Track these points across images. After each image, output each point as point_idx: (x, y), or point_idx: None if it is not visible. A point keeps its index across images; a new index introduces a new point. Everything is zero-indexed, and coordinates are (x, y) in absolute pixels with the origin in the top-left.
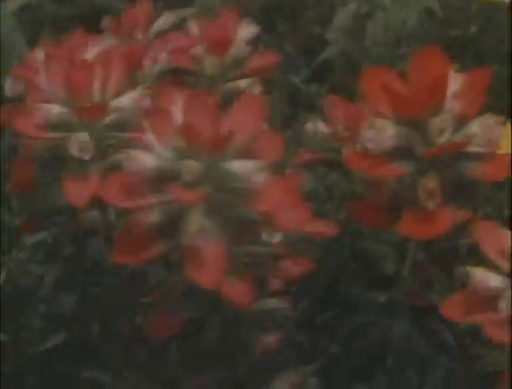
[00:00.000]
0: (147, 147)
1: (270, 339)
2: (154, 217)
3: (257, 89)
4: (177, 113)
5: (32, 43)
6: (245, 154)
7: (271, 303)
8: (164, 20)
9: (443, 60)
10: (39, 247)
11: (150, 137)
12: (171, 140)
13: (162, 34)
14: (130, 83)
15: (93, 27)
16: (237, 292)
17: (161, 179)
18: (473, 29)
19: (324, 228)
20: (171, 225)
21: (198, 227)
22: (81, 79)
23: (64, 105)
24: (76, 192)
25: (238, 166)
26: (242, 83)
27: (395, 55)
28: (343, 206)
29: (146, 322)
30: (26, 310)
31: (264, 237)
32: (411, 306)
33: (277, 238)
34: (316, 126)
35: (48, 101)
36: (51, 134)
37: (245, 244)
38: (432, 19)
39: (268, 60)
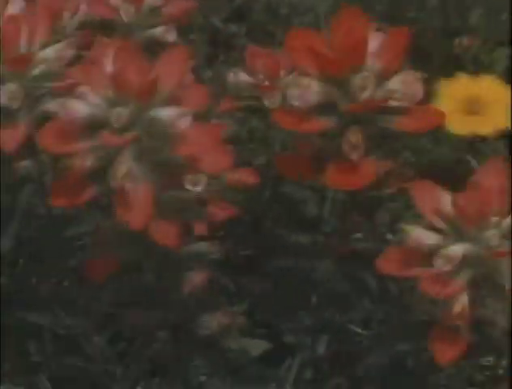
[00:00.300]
0: (79, 96)
1: (198, 280)
2: (86, 162)
3: (171, 36)
4: (107, 63)
5: None
6: (172, 102)
7: (198, 246)
8: None
9: (364, 19)
10: None
11: (81, 86)
12: (102, 89)
13: None
14: (55, 34)
15: None
16: (165, 234)
17: (93, 126)
18: None
19: (246, 176)
20: (102, 170)
21: (126, 170)
22: (9, 33)
23: None
24: (7, 139)
25: (164, 113)
26: (157, 31)
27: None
28: (267, 154)
29: (82, 264)
30: None
31: (190, 183)
32: (334, 250)
33: (202, 185)
34: (237, 75)
35: None
36: None
37: (172, 188)
38: None
39: (183, 6)
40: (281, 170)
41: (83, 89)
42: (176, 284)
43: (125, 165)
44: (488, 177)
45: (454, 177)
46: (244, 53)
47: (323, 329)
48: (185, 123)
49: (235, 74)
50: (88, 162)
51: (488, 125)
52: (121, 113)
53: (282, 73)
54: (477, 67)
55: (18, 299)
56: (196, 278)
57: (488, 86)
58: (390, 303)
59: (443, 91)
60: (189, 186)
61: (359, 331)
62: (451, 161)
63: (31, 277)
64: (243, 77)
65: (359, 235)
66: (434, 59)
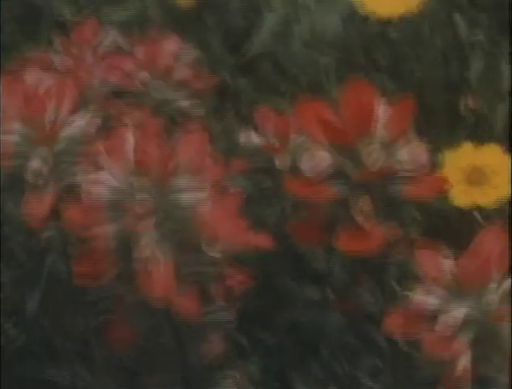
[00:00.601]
0: (101, 171)
1: (216, 345)
2: (108, 235)
3: (200, 110)
4: (128, 139)
5: None
6: (192, 175)
7: (216, 314)
8: (111, 39)
9: (371, 90)
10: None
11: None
12: (123, 164)
13: (109, 53)
14: (81, 107)
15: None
16: (186, 306)
17: (115, 200)
18: (393, 34)
19: (262, 241)
20: (124, 242)
21: (149, 253)
22: (34, 111)
23: (19, 135)
24: (32, 212)
25: (184, 186)
26: (185, 104)
27: (319, 61)
28: (280, 213)
29: (103, 326)
30: None
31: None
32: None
33: (218, 250)
34: (248, 136)
35: (5, 132)
36: (8, 162)
37: (190, 257)
38: (354, 20)
39: (209, 82)
40: (293, 236)
41: (104, 163)
42: (194, 350)
43: (146, 238)
44: (488, 241)
45: (461, 235)
46: (252, 108)
47: (334, 380)
48: (205, 196)
49: (246, 135)
50: (110, 234)
51: (490, 196)
52: (144, 199)
53: (292, 134)
54: (479, 127)
55: (40, 357)
56: (214, 343)
57: (491, 155)
58: (399, 358)
59: (448, 160)
60: (206, 250)
61: (368, 383)
62: (458, 220)
63: (53, 337)
64: (254, 138)
65: (367, 294)
66: (438, 118)
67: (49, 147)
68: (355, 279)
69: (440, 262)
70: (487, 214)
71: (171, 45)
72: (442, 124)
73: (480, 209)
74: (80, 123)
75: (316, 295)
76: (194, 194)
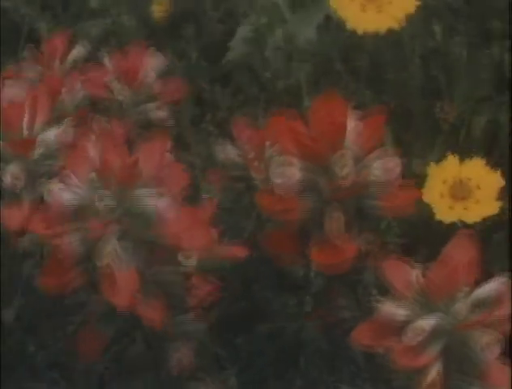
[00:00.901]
0: (64, 180)
1: (185, 351)
2: (72, 244)
3: (163, 113)
4: (91, 149)
5: None
6: (153, 183)
7: (185, 318)
8: (78, 50)
9: (343, 103)
10: None
11: (67, 171)
12: (85, 173)
13: (78, 63)
14: (54, 116)
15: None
16: (151, 311)
17: (78, 208)
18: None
19: (237, 250)
20: (89, 250)
21: (110, 250)
22: (11, 116)
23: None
24: (11, 218)
25: (144, 194)
26: (150, 108)
27: (294, 69)
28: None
29: (74, 339)
30: None
31: (180, 259)
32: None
33: (193, 261)
34: (225, 147)
35: None
36: None
37: (157, 265)
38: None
39: (174, 86)
40: (268, 246)
41: (67, 173)
42: (164, 356)
43: (109, 246)
44: (456, 251)
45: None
46: (229, 118)
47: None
48: (165, 204)
49: (222, 146)
50: (74, 243)
51: (475, 212)
52: (104, 195)
53: (267, 145)
54: (458, 130)
55: (17, 368)
56: (183, 349)
57: (475, 169)
58: (374, 368)
59: (432, 173)
60: (181, 260)
61: None
62: (438, 231)
63: (30, 347)
64: (229, 149)
65: (343, 303)
66: (415, 124)
67: (25, 154)
68: (331, 289)
69: (407, 273)
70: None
71: (142, 55)
72: (420, 132)
73: (463, 224)
74: (55, 132)
75: (293, 304)
76: (156, 202)
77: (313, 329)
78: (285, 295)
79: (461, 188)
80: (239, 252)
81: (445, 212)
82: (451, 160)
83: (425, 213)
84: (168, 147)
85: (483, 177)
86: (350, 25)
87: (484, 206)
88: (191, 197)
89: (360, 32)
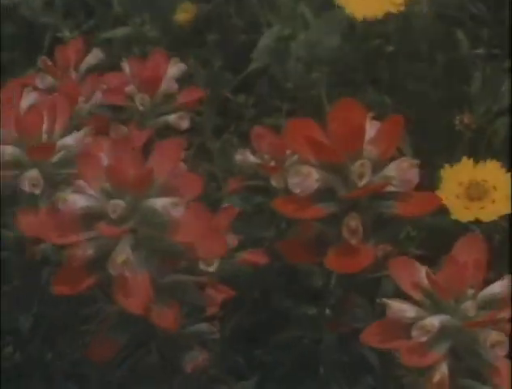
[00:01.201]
0: (78, 189)
1: (200, 358)
2: (85, 252)
3: (185, 123)
4: (104, 157)
5: None
6: (167, 192)
7: (199, 326)
8: (93, 57)
9: (360, 109)
10: None
11: (81, 179)
12: (99, 182)
13: (93, 70)
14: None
15: (32, 45)
16: (165, 317)
17: (92, 217)
18: (389, 48)
19: (256, 256)
20: (102, 258)
21: (124, 258)
22: (30, 122)
23: (16, 146)
24: (27, 224)
25: (159, 202)
26: (171, 118)
27: (314, 76)
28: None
29: (89, 345)
30: None
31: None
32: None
33: (213, 267)
34: (245, 156)
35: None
36: (6, 173)
37: (172, 273)
38: (353, 34)
39: (195, 95)
40: (286, 254)
41: (81, 182)
42: (179, 365)
43: (123, 254)
44: (465, 250)
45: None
46: (251, 125)
47: None
48: (179, 212)
49: (242, 154)
50: (87, 252)
51: (491, 211)
52: (118, 205)
53: (287, 153)
54: (478, 142)
55: (33, 374)
56: (198, 356)
57: (491, 171)
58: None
59: (447, 175)
60: (202, 267)
61: None
62: (454, 233)
63: (47, 355)
64: (249, 157)
65: (360, 311)
66: (435, 135)
67: (44, 160)
68: (349, 299)
69: (416, 272)
70: (486, 228)
71: (163, 64)
72: (440, 139)
73: (478, 223)
74: (74, 137)
75: (312, 314)
76: (170, 210)
77: (332, 339)
78: (304, 305)
79: (477, 189)
80: (258, 259)
81: (461, 212)
82: (466, 163)
83: (443, 219)
84: (181, 156)
85: (498, 178)
86: (349, 11)
87: (500, 205)
88: (211, 206)
89: (359, 17)
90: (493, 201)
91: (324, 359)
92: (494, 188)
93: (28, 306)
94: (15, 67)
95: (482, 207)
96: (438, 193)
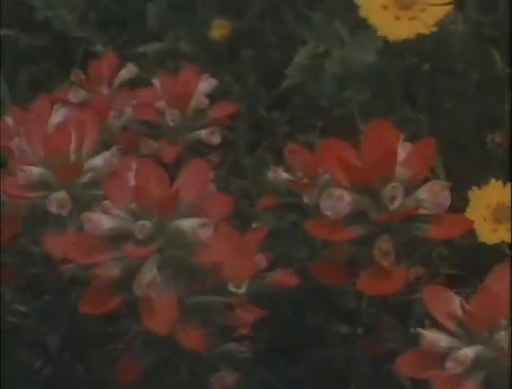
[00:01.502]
0: (105, 209)
1: (229, 379)
2: (112, 272)
3: (216, 139)
4: (131, 177)
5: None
6: (194, 212)
7: (228, 346)
8: (127, 72)
9: (393, 131)
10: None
11: (107, 199)
12: (125, 202)
13: (125, 85)
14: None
15: (65, 59)
16: (191, 338)
17: (118, 238)
18: (425, 66)
19: (287, 277)
20: (128, 279)
21: (150, 279)
22: (58, 142)
23: (43, 166)
24: (55, 245)
25: (186, 223)
26: (202, 133)
27: (350, 95)
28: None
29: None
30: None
31: (231, 288)
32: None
33: (243, 289)
34: (277, 173)
35: (29, 163)
36: (32, 194)
37: (199, 294)
38: (388, 53)
39: (226, 110)
40: (318, 274)
41: (108, 203)
42: (207, 385)
43: (149, 275)
44: (500, 278)
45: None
46: (284, 142)
47: None
48: (206, 233)
49: (274, 171)
50: (113, 272)
51: None
52: (144, 226)
53: (320, 171)
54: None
55: None
56: (226, 377)
57: None
58: None
59: (475, 197)
60: (232, 289)
61: None
62: (486, 253)
63: (77, 373)
64: (282, 174)
65: (392, 333)
66: (468, 154)
67: (72, 181)
68: (382, 320)
69: (450, 301)
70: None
71: (194, 80)
72: (473, 159)
73: (506, 245)
74: (103, 158)
75: (345, 333)
76: (197, 231)
77: (364, 359)
78: (336, 324)
79: (504, 211)
80: (289, 279)
81: (488, 235)
82: (494, 185)
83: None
84: (210, 176)
85: None
86: (381, 33)
87: None
88: (243, 223)
89: (391, 39)
90: None
91: (356, 378)
92: None
93: (57, 324)
94: (48, 81)
95: (508, 230)
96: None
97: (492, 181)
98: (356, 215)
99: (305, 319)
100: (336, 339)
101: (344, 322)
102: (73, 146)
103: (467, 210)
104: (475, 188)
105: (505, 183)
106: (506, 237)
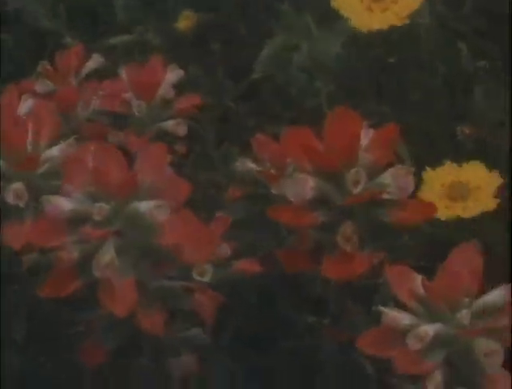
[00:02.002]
0: (64, 192)
1: (188, 363)
2: (71, 254)
3: (182, 130)
4: (90, 161)
5: None
6: (153, 196)
7: (192, 332)
8: (93, 63)
9: (356, 117)
10: None
11: (67, 183)
12: (84, 185)
13: (94, 77)
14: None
15: (36, 51)
16: (151, 321)
17: (77, 221)
18: (392, 59)
19: (248, 266)
20: (88, 261)
21: (108, 261)
22: (15, 135)
23: (4, 158)
24: (13, 236)
25: (143, 205)
26: (169, 124)
27: (318, 86)
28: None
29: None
30: None
31: (196, 273)
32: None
33: (207, 277)
34: (245, 164)
35: None
36: None
37: (160, 278)
38: (356, 44)
39: (192, 101)
40: (283, 262)
41: (67, 186)
42: (169, 370)
43: (107, 256)
44: (461, 258)
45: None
46: (252, 134)
47: None
48: (163, 215)
49: (242, 161)
50: (73, 255)
51: (473, 210)
52: (102, 207)
53: (288, 161)
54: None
55: (28, 379)
56: (187, 362)
57: (474, 171)
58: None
59: (430, 177)
60: (196, 276)
61: None
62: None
63: (40, 358)
64: (250, 164)
65: (357, 321)
66: (437, 145)
67: (29, 172)
68: (346, 305)
69: (411, 280)
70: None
71: (160, 70)
72: (442, 150)
73: (461, 222)
74: (59, 148)
75: (311, 322)
76: (155, 212)
77: (330, 347)
78: (303, 313)
79: (460, 189)
80: (252, 267)
81: (443, 211)
82: (449, 165)
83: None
84: (167, 160)
85: (481, 178)
86: (353, 24)
87: (482, 203)
88: (211, 213)
89: (364, 30)
90: (476, 199)
91: (322, 367)
92: (477, 188)
93: (20, 314)
94: (18, 74)
95: (464, 207)
96: (420, 195)
97: (447, 162)
98: (320, 201)
99: (272, 308)
100: (302, 328)
101: (311, 310)
102: (30, 137)
103: (421, 190)
104: (429, 169)
105: (460, 163)
106: (460, 212)
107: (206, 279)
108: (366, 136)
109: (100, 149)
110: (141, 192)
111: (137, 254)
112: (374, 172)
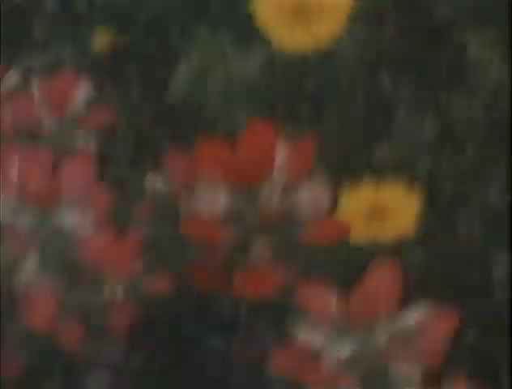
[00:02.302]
0: None
1: (97, 382)
2: None
3: (92, 144)
4: (13, 172)
5: None
6: (74, 207)
7: (104, 346)
8: (9, 78)
9: (272, 131)
10: None
11: None
12: (7, 196)
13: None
14: None
15: None
16: (68, 335)
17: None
18: (309, 82)
19: (158, 285)
20: (9, 275)
21: (29, 275)
22: None
23: None
24: None
25: (65, 216)
26: (78, 137)
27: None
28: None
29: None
30: None
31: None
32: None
33: (119, 292)
34: (155, 181)
35: None
36: None
37: (77, 292)
38: (273, 69)
39: (103, 117)
40: (195, 280)
41: None
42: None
43: (28, 270)
44: (377, 278)
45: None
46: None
47: None
48: (85, 231)
49: (152, 180)
50: None
51: (390, 232)
52: (24, 221)
53: (199, 178)
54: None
55: None
56: (101, 379)
57: (393, 192)
58: None
59: (348, 197)
60: (107, 293)
61: None
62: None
63: None
64: (160, 184)
65: (269, 341)
66: (355, 166)
67: None
68: (257, 325)
69: (325, 300)
70: (386, 250)
71: (71, 84)
72: (361, 172)
73: (378, 245)
74: None
75: (220, 342)
76: (75, 222)
77: (241, 369)
78: (212, 335)
79: (376, 211)
80: (162, 286)
81: (361, 234)
82: (368, 184)
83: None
84: (91, 172)
85: (400, 199)
86: (276, 45)
87: (399, 226)
88: (121, 229)
89: (286, 51)
90: (393, 222)
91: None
92: (395, 210)
93: None
94: None
95: (381, 228)
96: (337, 214)
97: (365, 180)
98: (232, 216)
99: (178, 328)
100: (211, 351)
101: (220, 332)
102: None
103: (337, 209)
104: (347, 188)
105: (378, 184)
106: (378, 236)
107: (119, 295)
108: (282, 151)
109: (23, 160)
110: (63, 204)
111: (56, 268)
112: (289, 188)
